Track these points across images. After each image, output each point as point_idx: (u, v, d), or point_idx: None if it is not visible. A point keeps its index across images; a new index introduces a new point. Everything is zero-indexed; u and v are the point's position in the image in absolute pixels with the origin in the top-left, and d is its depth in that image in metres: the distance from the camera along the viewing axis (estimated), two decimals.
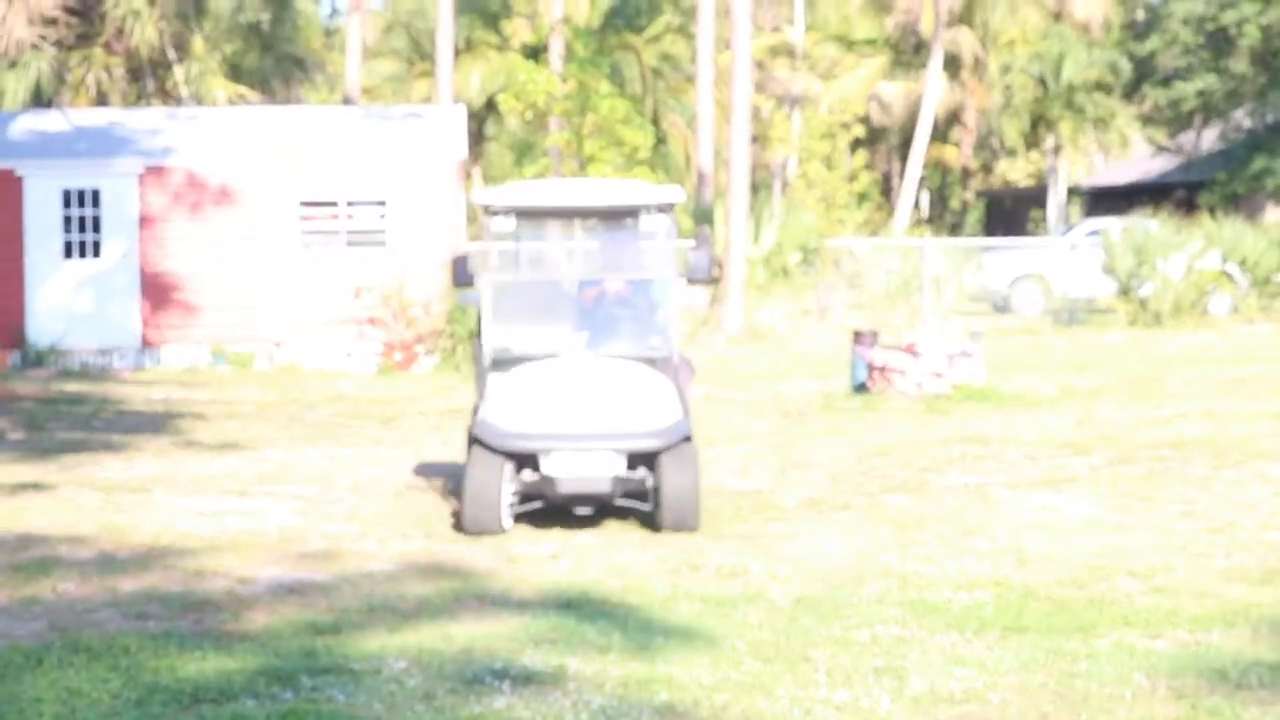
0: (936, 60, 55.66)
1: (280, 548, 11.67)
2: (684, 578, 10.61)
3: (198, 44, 44.20)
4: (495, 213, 12.84)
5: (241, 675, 8.18)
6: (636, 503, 12.23)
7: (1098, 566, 10.83)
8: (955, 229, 62.35)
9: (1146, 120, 53.65)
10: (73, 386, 23.19)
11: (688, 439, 12.11)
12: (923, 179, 61.92)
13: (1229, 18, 46.00)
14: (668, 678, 8.17)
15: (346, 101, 41.67)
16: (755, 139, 51.07)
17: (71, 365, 25.61)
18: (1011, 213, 61.49)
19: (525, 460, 12.12)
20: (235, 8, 45.08)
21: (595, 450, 12.01)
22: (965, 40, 57.84)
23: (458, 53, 52.35)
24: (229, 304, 26.05)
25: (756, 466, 15.57)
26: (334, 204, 26.13)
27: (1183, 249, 32.61)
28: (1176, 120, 50.84)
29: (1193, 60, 48.04)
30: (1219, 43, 47.52)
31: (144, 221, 26.06)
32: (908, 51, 60.94)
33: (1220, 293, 33.84)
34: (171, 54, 42.73)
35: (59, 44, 40.67)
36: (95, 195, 26.00)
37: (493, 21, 59.50)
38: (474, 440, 12.09)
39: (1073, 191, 61.83)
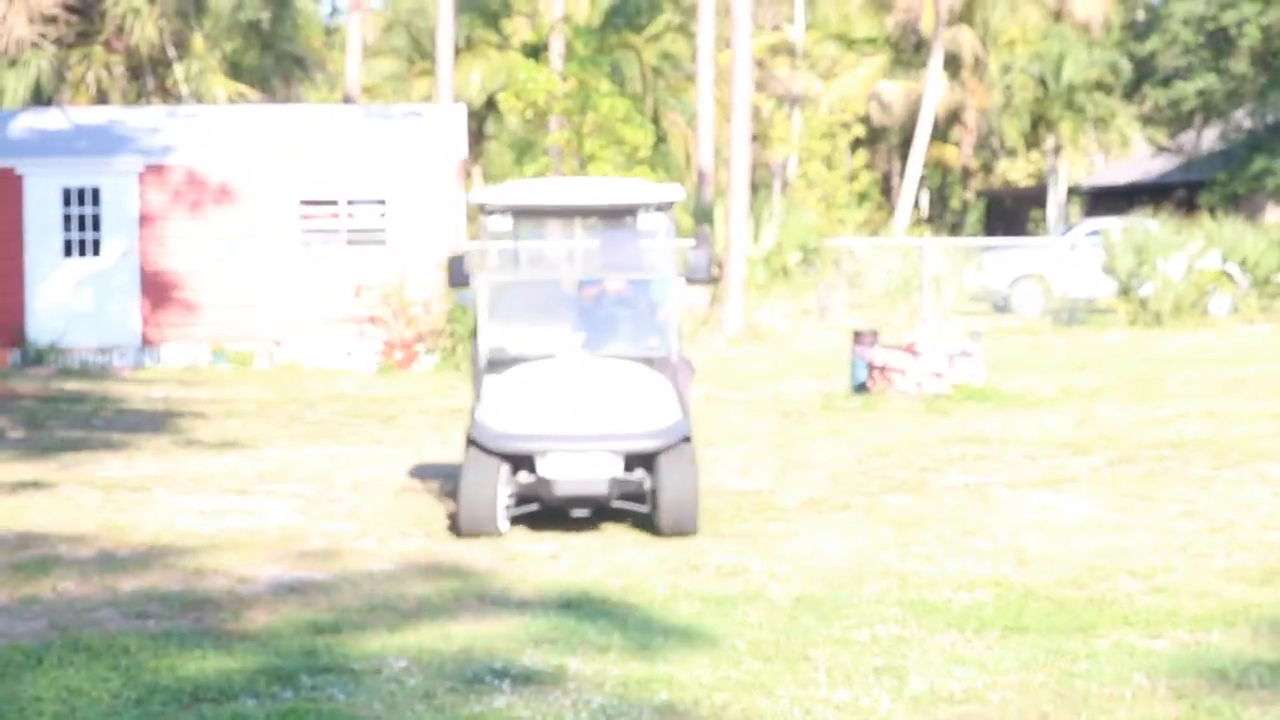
0: (937, 60, 55.65)
1: (280, 546, 11.67)
2: (684, 577, 10.60)
3: (198, 42, 44.19)
4: (491, 212, 12.70)
5: (241, 674, 8.17)
6: (634, 505, 12.10)
7: (1098, 566, 10.82)
8: (955, 229, 62.34)
9: (1147, 120, 53.65)
10: (73, 385, 23.19)
11: (687, 440, 11.95)
12: (923, 179, 61.91)
13: (1229, 18, 45.99)
14: (668, 677, 8.17)
15: (346, 100, 41.67)
16: (755, 138, 51.06)
17: (71, 363, 25.61)
18: (1012, 212, 61.49)
19: (521, 462, 11.98)
20: (235, 6, 45.08)
21: (592, 452, 11.86)
22: (965, 39, 57.84)
23: (458, 51, 52.36)
24: (229, 302, 26.04)
25: (756, 466, 15.56)
26: (334, 203, 26.13)
27: (1183, 249, 32.61)
28: (1177, 120, 50.84)
29: (1193, 60, 48.03)
30: (1219, 43, 47.51)
31: (144, 220, 26.05)
32: (908, 51, 60.93)
33: (1220, 293, 33.84)
34: (171, 52, 42.73)
35: (59, 42, 40.67)
36: (95, 193, 26.00)
37: (493, 20, 59.51)
38: (470, 442, 11.95)
39: (1073, 191, 61.83)
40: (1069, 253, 37.27)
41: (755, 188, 46.06)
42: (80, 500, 13.51)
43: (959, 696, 7.93)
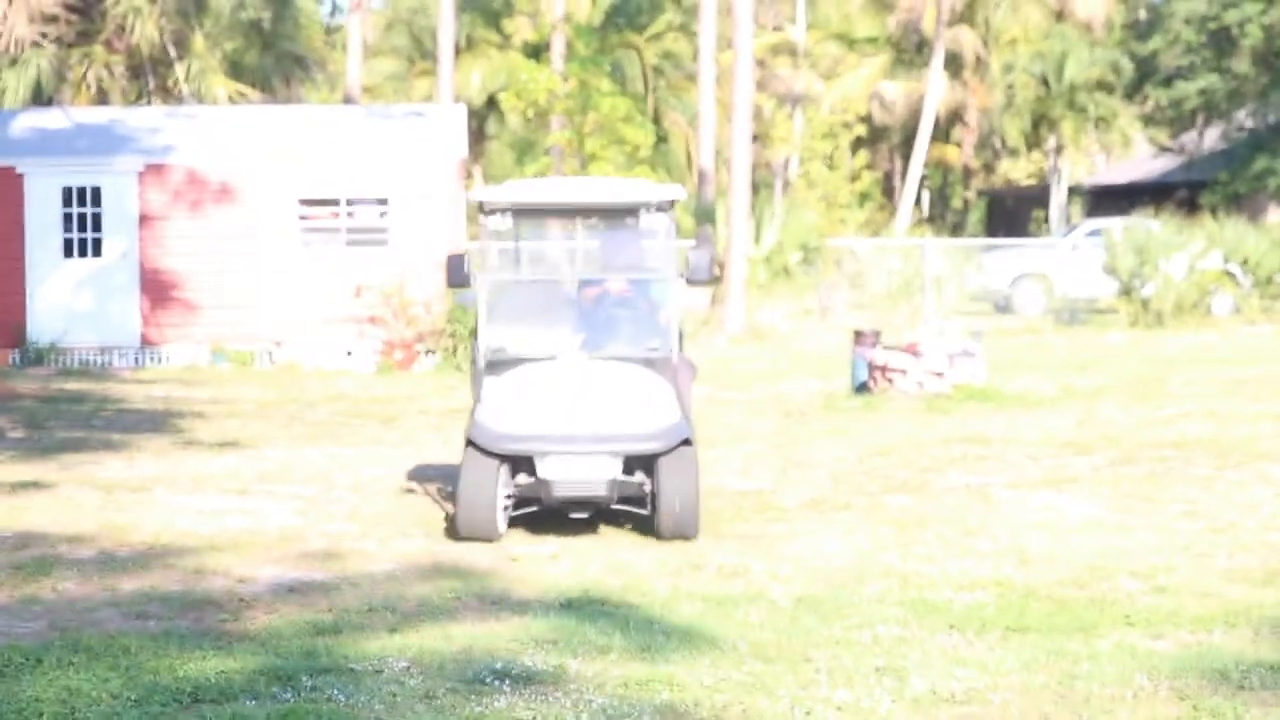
0: (938, 59, 55.63)
1: (280, 547, 11.65)
2: (685, 578, 10.58)
3: (198, 42, 44.17)
4: (491, 211, 12.59)
5: (241, 675, 8.16)
6: (634, 508, 11.99)
7: (1099, 567, 10.80)
8: (957, 229, 62.36)
9: (1148, 120, 53.66)
10: (73, 385, 23.18)
11: (687, 442, 11.82)
12: (924, 178, 61.91)
13: (1231, 17, 45.99)
14: (668, 678, 8.15)
15: (347, 100, 41.68)
16: (757, 138, 51.06)
17: (71, 363, 25.61)
18: (1013, 212, 61.49)
19: (520, 463, 11.86)
20: (236, 5, 45.05)
21: (591, 453, 11.73)
22: (967, 39, 57.82)
23: (459, 51, 52.38)
24: (229, 302, 26.04)
25: (757, 466, 15.55)
26: (334, 202, 26.13)
27: (1184, 249, 32.60)
28: (1178, 120, 50.86)
29: (1195, 60, 48.04)
30: (1221, 42, 47.52)
31: (144, 220, 26.06)
32: (909, 50, 60.92)
33: (1222, 293, 33.82)
34: (172, 52, 42.71)
35: (59, 41, 40.66)
36: (96, 193, 26.00)
37: (494, 20, 59.52)
38: (468, 443, 11.83)
39: (1074, 191, 61.82)
40: (1070, 253, 37.28)
41: (756, 188, 46.09)
42: (80, 500, 13.50)
43: (960, 697, 7.91)
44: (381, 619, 9.42)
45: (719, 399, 20.95)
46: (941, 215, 66.54)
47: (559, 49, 51.40)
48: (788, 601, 9.89)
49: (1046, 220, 58.73)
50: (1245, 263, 34.13)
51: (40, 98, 40.41)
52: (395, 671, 8.26)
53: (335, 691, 7.90)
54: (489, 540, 11.61)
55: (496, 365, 12.35)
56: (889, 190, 66.33)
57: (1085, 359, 26.22)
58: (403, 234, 26.03)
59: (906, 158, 59.32)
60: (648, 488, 11.83)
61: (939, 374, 20.58)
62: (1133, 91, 54.15)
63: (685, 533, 11.70)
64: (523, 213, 12.88)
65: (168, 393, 22.46)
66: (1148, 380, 22.74)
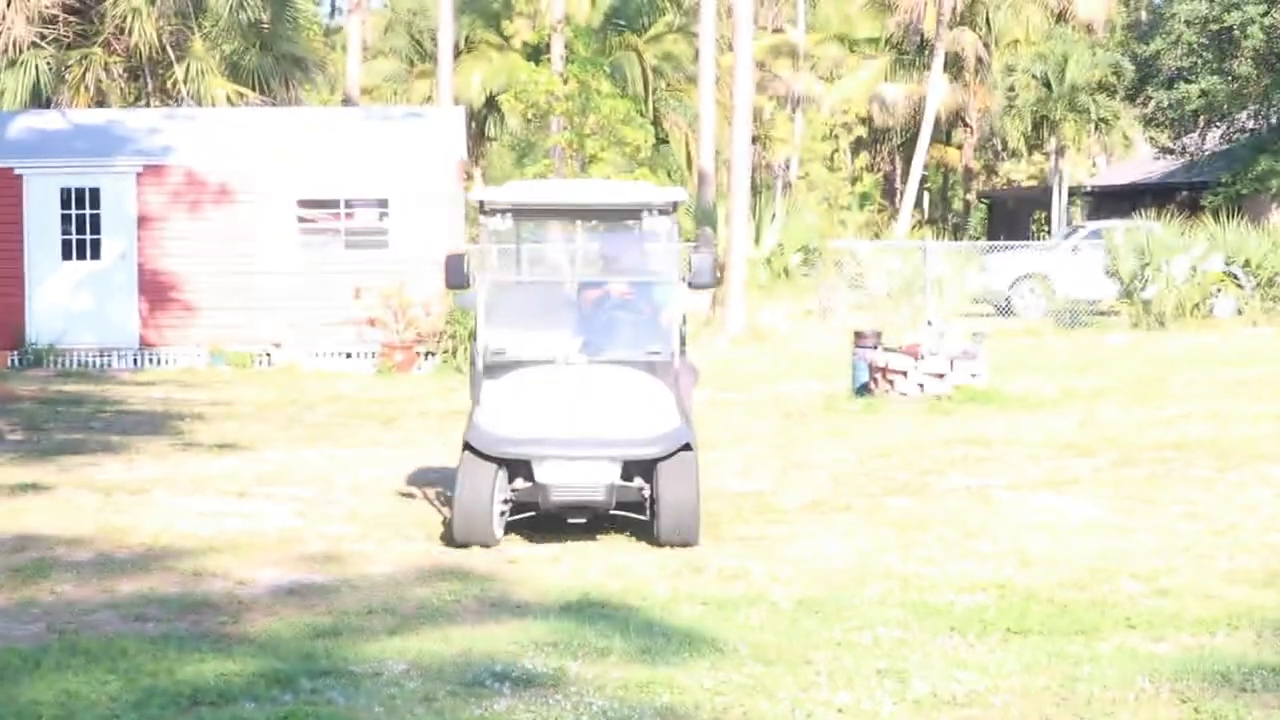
0: (939, 61, 55.63)
1: (279, 549, 11.62)
2: (685, 580, 10.56)
3: (197, 43, 44.13)
4: (491, 211, 12.45)
5: (240, 677, 8.14)
6: (633, 513, 11.81)
7: (1100, 568, 10.78)
8: (957, 230, 62.34)
9: (1150, 121, 53.59)
10: (71, 387, 23.17)
11: (687, 448, 11.66)
12: (925, 180, 61.91)
13: (1233, 19, 45.95)
14: (668, 680, 8.13)
15: (346, 101, 41.68)
16: (757, 140, 51.07)
17: (70, 365, 25.60)
18: (1014, 214, 61.47)
19: (518, 468, 11.70)
20: (235, 6, 44.97)
21: (589, 458, 11.58)
22: (968, 41, 57.81)
23: (458, 52, 52.37)
24: (228, 304, 26.03)
25: (758, 468, 15.52)
26: (334, 204, 26.12)
27: (1186, 251, 32.56)
28: (1180, 121, 50.80)
29: (1196, 61, 47.99)
30: (1222, 44, 47.48)
31: (143, 221, 26.05)
32: (910, 52, 60.91)
33: (1224, 295, 33.78)
34: (171, 53, 42.68)
35: (58, 43, 40.62)
36: (94, 194, 25.99)
37: (493, 21, 59.48)
38: (466, 446, 11.69)
39: (1075, 193, 61.78)
40: (1071, 254, 37.23)
41: (757, 189, 46.05)
42: (79, 502, 13.47)
43: (961, 699, 7.89)
44: (381, 621, 9.40)
45: (719, 400, 20.92)
46: (942, 217, 66.55)
47: (559, 50, 51.35)
48: (788, 604, 9.87)
49: (1047, 222, 58.69)
50: (1247, 264, 34.08)
51: (39, 99, 40.36)
52: (394, 674, 8.24)
53: (334, 694, 7.89)
54: (485, 546, 11.48)
55: (495, 368, 12.22)
56: (889, 192, 66.34)
57: (1086, 361, 26.20)
58: (402, 235, 26.01)
59: (907, 159, 59.33)
60: (647, 493, 11.67)
61: (940, 375, 20.56)
62: (1134, 93, 54.09)
63: (685, 539, 11.53)
64: (523, 214, 12.76)
65: (166, 394, 22.43)
66: (1149, 382, 22.72)
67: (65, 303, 25.94)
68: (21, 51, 39.26)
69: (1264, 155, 46.74)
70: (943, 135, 60.80)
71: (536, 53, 54.36)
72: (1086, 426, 18.18)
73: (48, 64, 40.30)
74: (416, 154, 26.45)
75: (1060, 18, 58.42)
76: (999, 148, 64.49)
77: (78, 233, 25.97)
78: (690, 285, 12.34)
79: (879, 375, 20.77)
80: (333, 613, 9.62)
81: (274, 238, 26.01)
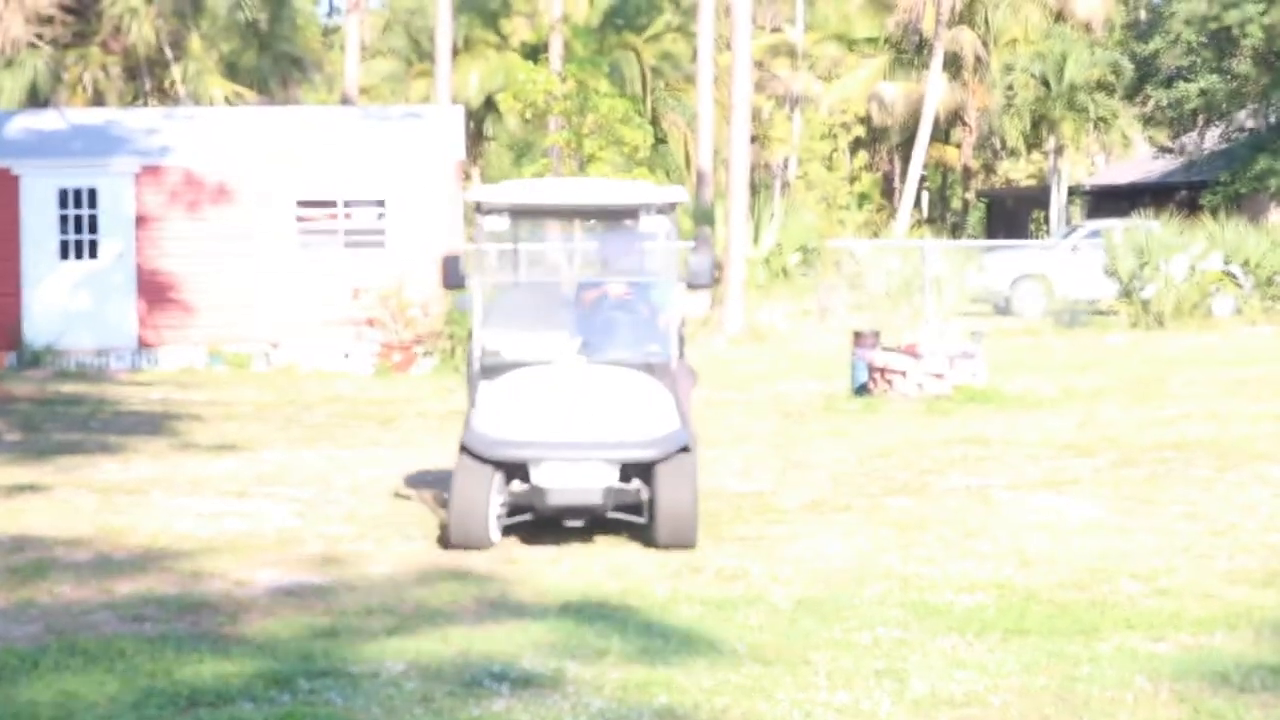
0: (937, 60, 55.62)
1: (278, 550, 11.61)
2: (684, 580, 10.54)
3: (195, 43, 44.17)
4: (488, 211, 12.31)
5: (239, 678, 8.13)
6: (631, 516, 11.66)
7: (1100, 568, 10.77)
8: (956, 230, 62.35)
9: (1149, 120, 53.66)
10: (69, 387, 23.15)
11: (686, 450, 11.54)
12: (923, 179, 61.90)
13: (1232, 17, 45.96)
14: (667, 680, 8.12)
15: (344, 101, 41.66)
16: (755, 139, 51.04)
17: (68, 366, 25.56)
18: (1013, 213, 61.48)
19: (514, 470, 11.57)
20: (233, 6, 45.06)
21: (586, 460, 11.44)
22: (967, 40, 57.80)
23: (456, 52, 52.36)
24: (226, 304, 26.01)
25: (757, 468, 15.51)
26: (332, 204, 26.09)
27: (1185, 250, 32.57)
28: (1179, 120, 50.86)
29: (1195, 60, 48.03)
30: (1221, 43, 47.51)
31: (140, 221, 26.02)
32: (909, 51, 60.91)
33: (1223, 294, 33.78)
34: (168, 53, 42.71)
35: (55, 42, 40.65)
36: (92, 194, 25.96)
37: (492, 20, 59.50)
38: (462, 449, 11.57)
39: (1074, 192, 61.79)
40: (1070, 254, 37.24)
41: (755, 189, 46.03)
42: (77, 503, 13.46)
43: (960, 699, 7.88)
44: (379, 622, 9.38)
45: (718, 400, 20.91)
46: (941, 216, 66.54)
47: (557, 50, 51.39)
48: (787, 604, 9.86)
49: (1046, 221, 58.70)
50: (1246, 264, 34.09)
51: (36, 99, 40.42)
52: (393, 674, 8.23)
53: (333, 694, 7.88)
54: (481, 549, 11.36)
55: (492, 369, 12.12)
56: (888, 191, 66.34)
57: (1085, 360, 26.19)
58: (400, 236, 26.00)
59: (906, 159, 59.31)
60: (645, 496, 11.52)
61: (939, 375, 20.54)
62: (1133, 92, 54.14)
63: (683, 542, 11.40)
64: (520, 214, 12.62)
65: (165, 395, 22.42)
66: (1148, 381, 22.71)
67: (63, 303, 25.91)
68: (19, 51, 39.29)
69: (1263, 154, 46.77)
70: (941, 134, 60.79)
71: (535, 52, 54.41)
72: (1086, 426, 18.17)
73: (45, 64, 40.33)
74: (415, 154, 26.44)
75: (1059, 17, 58.41)
76: (998, 147, 64.50)
77: (75, 233, 25.94)
78: (688, 286, 12.25)
79: (878, 375, 20.76)
80: (331, 613, 9.60)
81: (272, 238, 25.99)
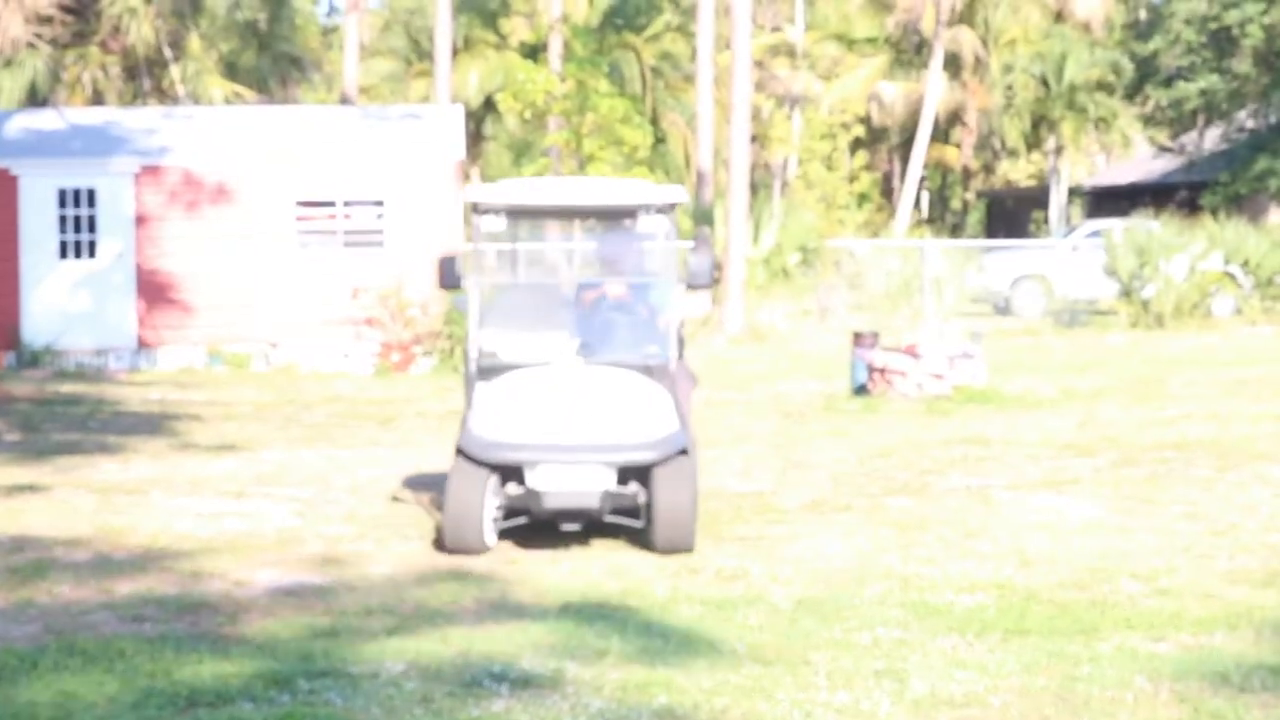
0: (937, 60, 55.62)
1: (277, 550, 11.60)
2: (684, 580, 10.53)
3: (194, 43, 44.17)
4: (485, 211, 12.18)
5: (238, 678, 8.12)
6: (628, 520, 11.54)
7: (1100, 568, 10.77)
8: (956, 230, 62.34)
9: (1149, 120, 53.62)
10: (68, 387, 23.14)
11: (684, 453, 11.40)
12: (923, 179, 61.89)
13: (1232, 17, 45.96)
14: (667, 681, 8.11)
15: (344, 101, 41.66)
16: (755, 139, 51.06)
17: (67, 366, 25.55)
18: (1013, 213, 61.46)
19: (510, 473, 11.43)
20: (232, 6, 45.08)
21: (583, 463, 11.31)
22: (966, 40, 57.80)
23: (456, 52, 52.37)
24: (225, 304, 25.99)
25: (757, 468, 15.50)
26: (331, 204, 26.08)
27: (1185, 250, 32.56)
28: (1179, 120, 50.84)
29: (1195, 60, 48.01)
30: (1222, 42, 47.49)
31: (140, 221, 26.01)
32: (908, 51, 60.90)
33: (1223, 294, 33.78)
34: (168, 53, 42.70)
35: (54, 42, 40.65)
36: (91, 194, 25.95)
37: (491, 20, 59.49)
38: (457, 451, 11.44)
39: (1074, 192, 61.80)
40: (1070, 254, 37.24)
41: (755, 188, 46.06)
42: (76, 503, 13.45)
43: (960, 700, 7.88)
44: (379, 622, 9.37)
45: (718, 400, 20.90)
46: (941, 216, 66.54)
47: (556, 49, 51.39)
48: (787, 604, 9.85)
49: (1046, 221, 58.70)
50: (1246, 264, 34.08)
51: (35, 99, 40.42)
52: (392, 675, 8.22)
53: (332, 695, 7.87)
54: (477, 553, 11.23)
55: (488, 371, 11.99)
56: (888, 191, 66.33)
57: (1085, 360, 26.19)
58: (400, 235, 25.99)
59: (905, 158, 59.31)
60: (642, 499, 11.39)
61: (939, 375, 20.54)
62: (1133, 92, 54.12)
63: (681, 546, 11.26)
64: (518, 214, 12.49)
65: (164, 395, 22.41)
66: (1148, 381, 22.71)
67: (62, 303, 25.89)
68: (18, 51, 39.29)
69: (1263, 154, 46.76)
70: (941, 134, 60.78)
71: (534, 52, 54.40)
72: (1086, 426, 18.17)
73: (44, 63, 40.33)
74: (414, 154, 26.43)
75: (1059, 16, 58.41)
76: (997, 147, 64.48)
77: (74, 233, 25.92)
78: (688, 287, 12.13)
79: (878, 375, 20.75)
80: (331, 613, 9.59)
81: (271, 238, 25.98)
